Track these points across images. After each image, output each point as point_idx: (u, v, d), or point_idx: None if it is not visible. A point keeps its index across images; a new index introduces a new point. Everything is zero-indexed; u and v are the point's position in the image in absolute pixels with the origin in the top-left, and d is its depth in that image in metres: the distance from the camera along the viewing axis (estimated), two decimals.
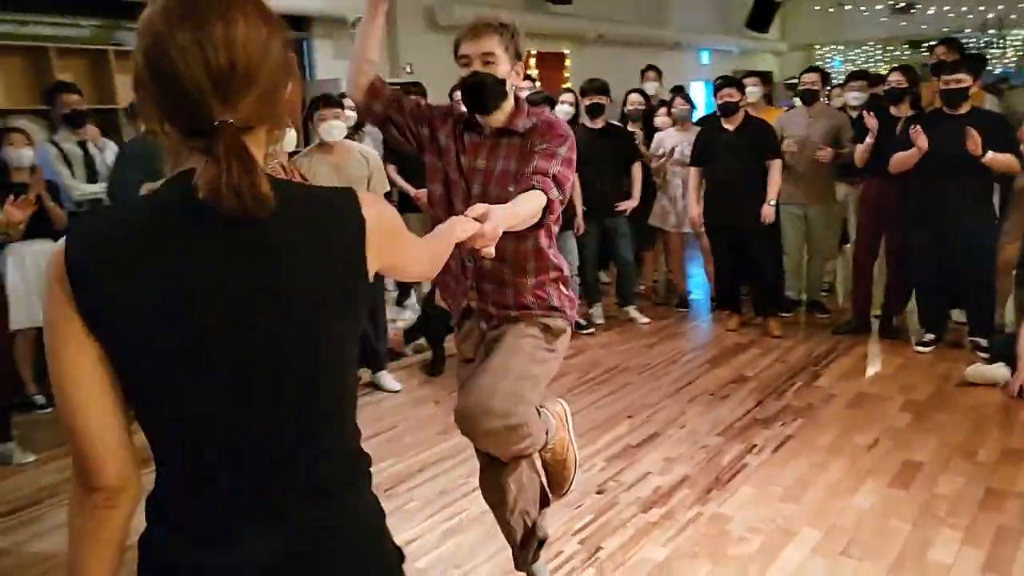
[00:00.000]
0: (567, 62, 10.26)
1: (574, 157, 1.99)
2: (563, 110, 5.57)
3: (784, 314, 5.32)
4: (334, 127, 3.91)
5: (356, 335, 1.06)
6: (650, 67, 6.84)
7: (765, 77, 5.88)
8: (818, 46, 15.47)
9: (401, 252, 1.13)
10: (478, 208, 1.51)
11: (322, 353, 1.00)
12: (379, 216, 1.05)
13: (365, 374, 4.43)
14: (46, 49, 5.35)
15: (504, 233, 1.73)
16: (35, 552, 2.82)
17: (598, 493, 3.07)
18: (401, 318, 5.25)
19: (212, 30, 0.90)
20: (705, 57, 13.24)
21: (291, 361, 0.97)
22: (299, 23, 7.17)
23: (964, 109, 4.22)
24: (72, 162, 4.63)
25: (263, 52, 0.94)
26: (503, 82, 1.97)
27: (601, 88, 5.28)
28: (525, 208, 1.78)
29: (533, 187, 1.83)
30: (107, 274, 0.92)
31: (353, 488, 1.07)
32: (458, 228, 1.42)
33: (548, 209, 1.86)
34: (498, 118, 2.02)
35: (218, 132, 0.90)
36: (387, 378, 4.37)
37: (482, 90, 1.96)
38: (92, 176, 4.68)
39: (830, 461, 3.26)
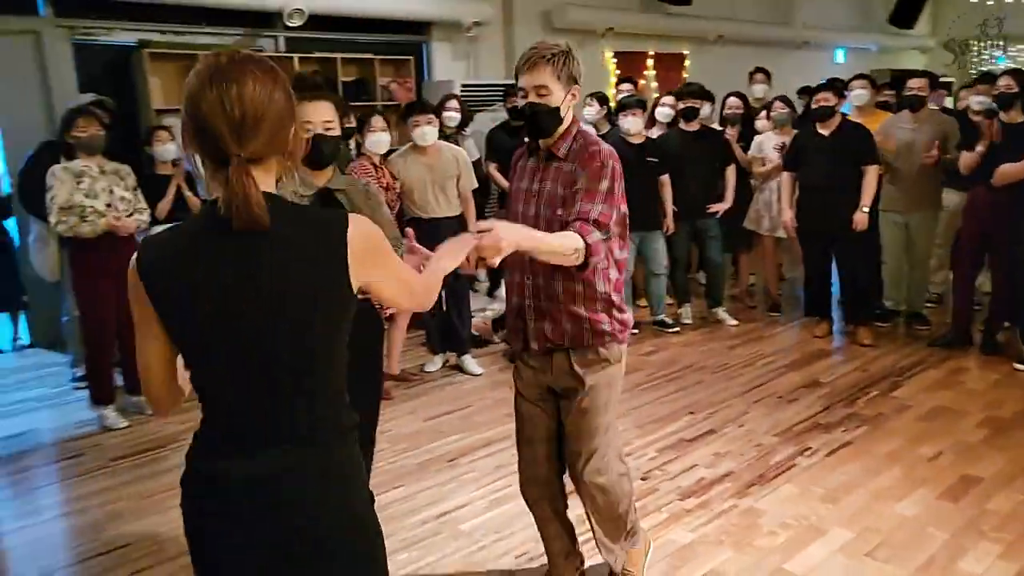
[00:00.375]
0: (686, 63, 10.21)
1: (616, 185, 2.10)
2: (663, 112, 5.69)
3: (880, 324, 5.19)
4: (427, 132, 4.25)
5: (341, 329, 1.34)
6: (758, 69, 6.77)
7: (873, 80, 5.69)
8: (974, 42, 14.42)
9: (381, 269, 1.37)
10: (482, 224, 1.73)
11: (306, 341, 1.30)
12: (363, 235, 1.31)
13: (451, 357, 4.77)
14: (195, 56, 6.03)
15: (553, 269, 2.04)
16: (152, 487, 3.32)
17: (642, 479, 3.22)
18: (491, 308, 5.54)
19: (229, 89, 1.22)
20: (840, 56, 12.72)
21: (277, 343, 1.28)
22: (419, 28, 7.62)
23: None
24: None
25: (267, 104, 1.25)
26: (556, 110, 2.10)
27: (695, 92, 5.36)
28: (556, 241, 1.92)
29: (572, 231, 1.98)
30: (160, 272, 1.27)
31: (334, 440, 1.35)
32: (444, 259, 1.61)
33: (589, 251, 1.96)
34: (548, 143, 2.16)
35: (231, 163, 1.22)
36: (470, 362, 4.68)
37: (535, 119, 2.11)
38: None
39: (884, 469, 3.25)
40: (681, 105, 5.36)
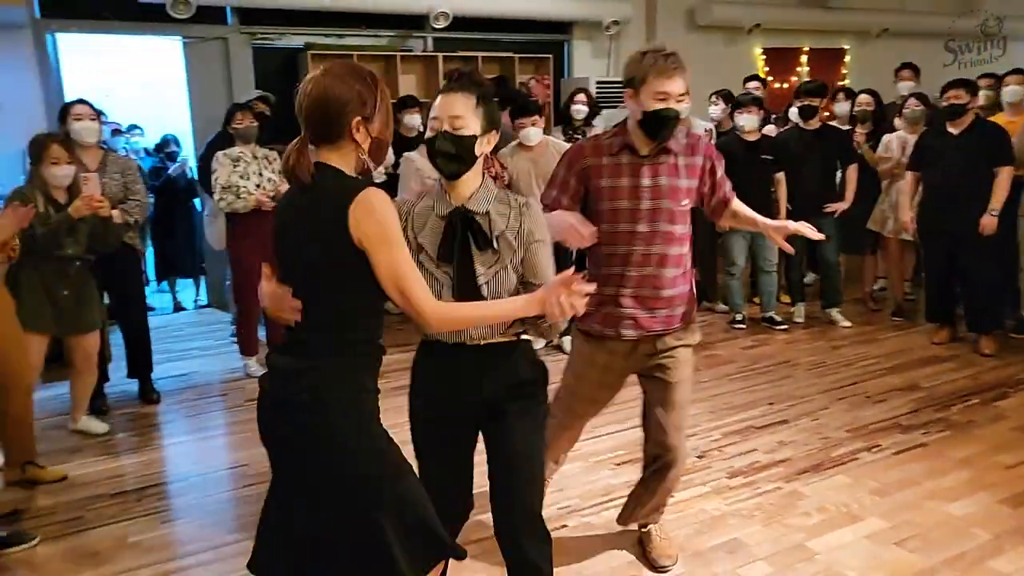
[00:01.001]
0: (846, 58, 9.80)
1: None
2: (714, 111, 5.66)
3: (1015, 335, 4.90)
4: (530, 133, 4.59)
5: (345, 269, 1.61)
6: (904, 66, 6.47)
7: None
8: None
9: (376, 248, 1.58)
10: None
11: (317, 273, 1.64)
12: (366, 202, 1.58)
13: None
14: (352, 56, 6.73)
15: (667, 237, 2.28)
16: None
17: (699, 457, 3.37)
18: None
19: (308, 83, 1.63)
20: None
21: (309, 269, 1.65)
22: (561, 27, 7.95)
23: None
24: None
25: (324, 97, 1.60)
26: (679, 117, 2.26)
27: (813, 91, 5.29)
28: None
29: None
30: (278, 215, 1.76)
31: (337, 358, 1.65)
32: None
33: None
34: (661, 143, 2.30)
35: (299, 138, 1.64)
36: (567, 342, 4.96)
37: (667, 124, 2.24)
38: None
39: (951, 471, 3.18)
40: (799, 104, 5.31)
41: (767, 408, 3.93)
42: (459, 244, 1.87)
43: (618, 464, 3.31)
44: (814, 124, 5.28)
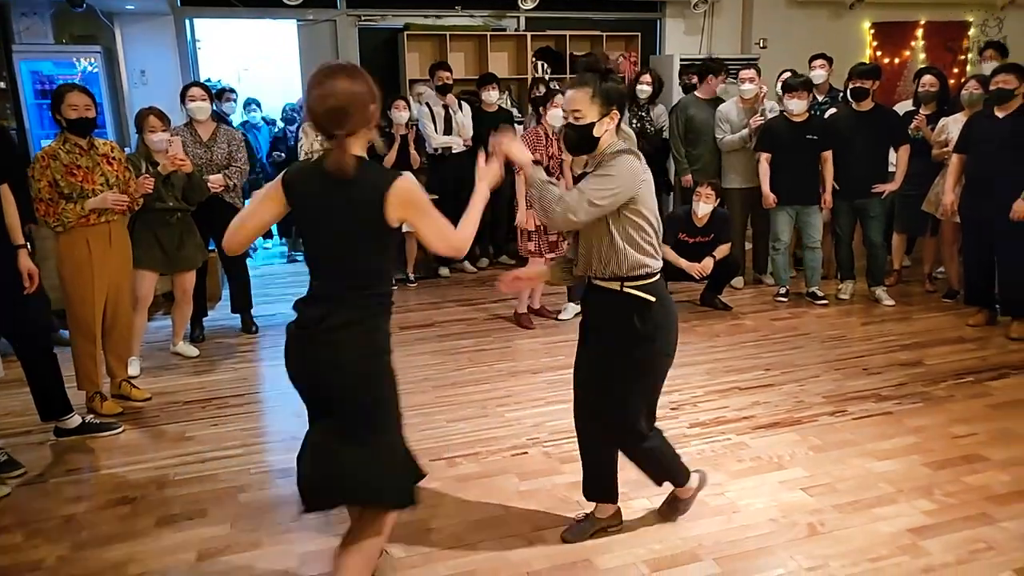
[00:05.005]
0: (970, 32, 9.31)
1: None
2: (747, 89, 5.69)
3: None
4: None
5: (379, 241, 2.01)
6: (990, 44, 6.27)
7: None
8: None
9: (413, 217, 2.00)
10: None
11: (354, 245, 2.01)
12: (401, 191, 1.95)
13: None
14: (444, 36, 7.36)
15: None
16: None
17: (672, 409, 3.77)
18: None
19: (327, 87, 1.93)
20: None
21: (343, 245, 2.02)
22: (653, 5, 8.18)
23: None
24: (436, 120, 6.50)
25: (351, 96, 1.93)
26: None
27: (865, 72, 5.33)
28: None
29: None
30: (294, 186, 2.04)
31: (364, 308, 2.03)
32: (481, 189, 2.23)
33: None
34: None
35: (334, 139, 1.93)
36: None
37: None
38: (448, 130, 6.50)
39: (898, 436, 3.40)
40: (851, 85, 5.38)
41: (761, 373, 4.23)
42: None
43: None
44: (866, 106, 5.34)
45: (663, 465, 2.66)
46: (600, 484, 2.70)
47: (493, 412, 3.79)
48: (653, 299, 2.36)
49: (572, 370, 2.59)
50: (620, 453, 2.63)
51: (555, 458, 3.27)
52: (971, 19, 9.26)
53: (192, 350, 4.71)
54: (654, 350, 2.40)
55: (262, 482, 3.14)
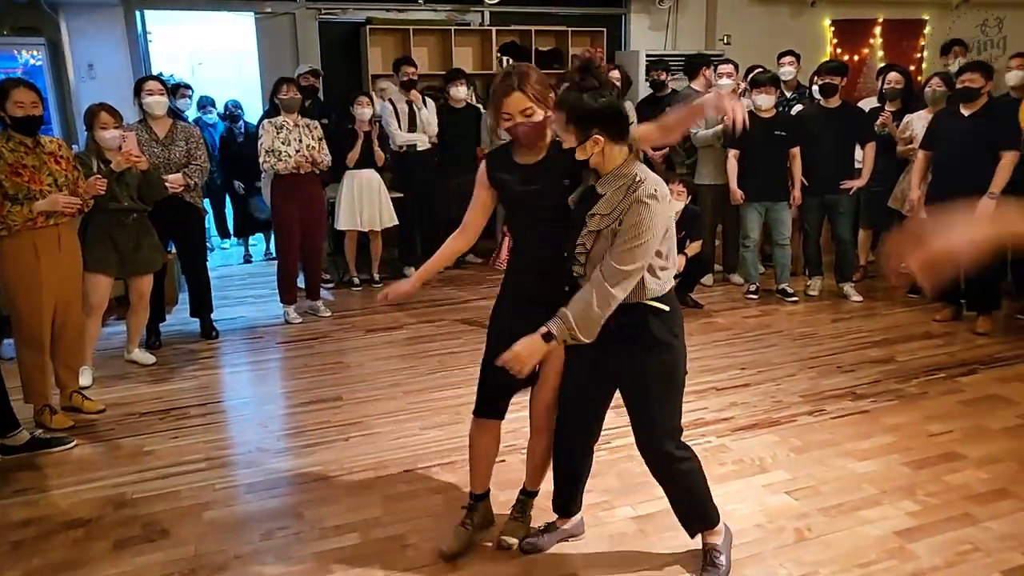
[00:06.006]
0: (926, 30, 9.46)
1: None
2: (725, 84, 5.70)
3: (1021, 316, 4.92)
4: None
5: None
6: (955, 42, 6.35)
7: None
8: None
9: None
10: None
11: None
12: None
13: None
14: (407, 31, 7.20)
15: None
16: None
17: None
18: None
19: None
20: None
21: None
22: (619, 2, 8.13)
23: None
24: (400, 117, 6.35)
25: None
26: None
27: (834, 68, 5.35)
28: None
29: None
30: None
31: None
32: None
33: None
34: None
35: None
36: None
37: None
38: (412, 127, 6.35)
39: (876, 435, 3.39)
40: (819, 81, 5.39)
41: (737, 373, 4.19)
42: None
43: None
44: (834, 102, 5.35)
45: (696, 489, 2.43)
46: (573, 499, 2.62)
47: (468, 418, 3.66)
48: (667, 308, 2.23)
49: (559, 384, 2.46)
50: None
51: None
52: (926, 17, 9.41)
53: (148, 357, 4.50)
54: (673, 356, 2.26)
55: (228, 498, 2.99)
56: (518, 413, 3.64)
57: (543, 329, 2.11)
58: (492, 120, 2.33)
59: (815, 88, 5.67)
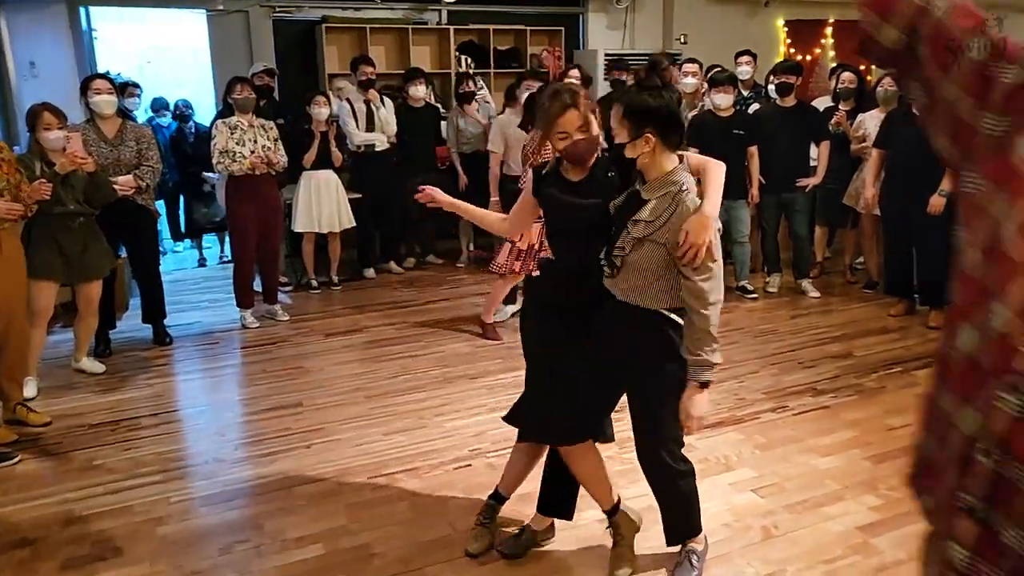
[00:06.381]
0: None
1: None
2: (687, 83, 5.80)
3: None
4: None
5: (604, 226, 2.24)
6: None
7: None
8: None
9: None
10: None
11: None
12: None
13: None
14: (364, 29, 7.10)
15: None
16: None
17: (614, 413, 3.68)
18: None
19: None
20: None
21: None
22: (577, 1, 8.13)
23: None
24: (358, 117, 6.24)
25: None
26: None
27: (790, 68, 5.41)
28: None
29: None
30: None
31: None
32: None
33: None
34: None
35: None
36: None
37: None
38: (370, 127, 6.24)
39: (838, 431, 3.43)
40: (776, 80, 5.45)
41: None
42: None
43: None
44: (790, 101, 5.42)
45: (691, 502, 2.43)
46: (557, 499, 2.59)
47: (431, 422, 3.62)
48: (681, 321, 2.18)
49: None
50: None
51: (500, 469, 3.11)
52: None
53: (97, 366, 4.34)
54: (684, 367, 2.17)
55: (184, 512, 2.89)
56: (480, 416, 3.62)
57: (698, 382, 2.11)
58: (541, 139, 2.33)
59: (771, 87, 5.73)
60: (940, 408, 1.10)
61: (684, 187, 2.10)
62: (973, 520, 1.00)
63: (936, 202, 4.61)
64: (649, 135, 2.08)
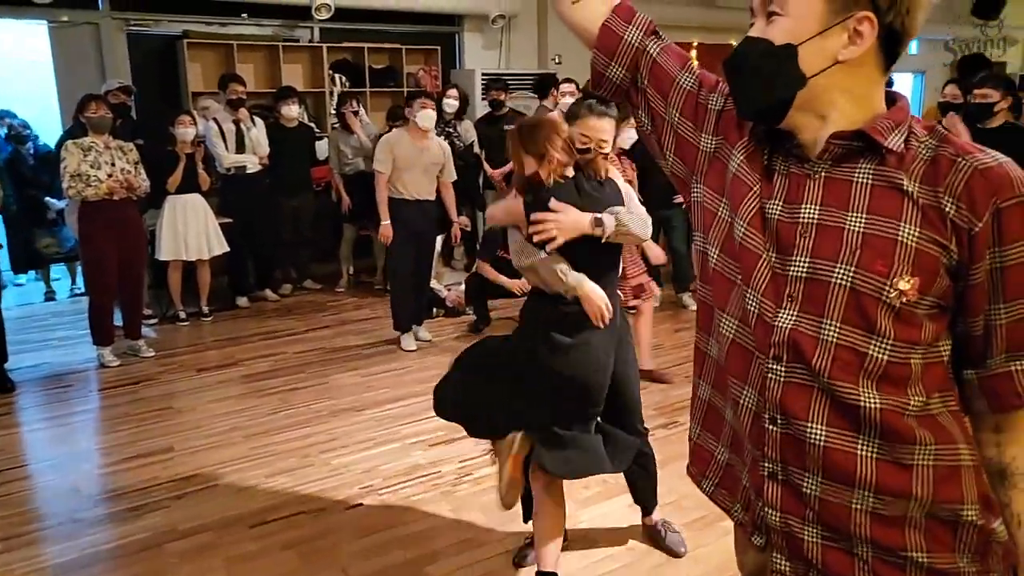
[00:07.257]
0: None
1: None
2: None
3: None
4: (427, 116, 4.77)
5: None
6: None
7: None
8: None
9: None
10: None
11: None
12: None
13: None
14: (231, 45, 6.75)
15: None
16: None
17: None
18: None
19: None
20: (913, 47, 12.23)
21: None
22: (451, 19, 8.09)
23: None
24: (227, 137, 5.90)
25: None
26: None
27: None
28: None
29: None
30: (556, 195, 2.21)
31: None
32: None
33: None
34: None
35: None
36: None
37: None
38: (240, 148, 5.92)
39: None
40: None
41: None
42: None
43: (432, 445, 3.52)
44: None
45: (655, 471, 2.80)
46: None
47: (318, 460, 3.40)
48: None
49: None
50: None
51: (394, 507, 2.97)
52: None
53: None
54: None
55: None
56: (369, 451, 3.44)
57: (594, 216, 2.19)
58: (562, 141, 2.23)
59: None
60: (701, 399, 1.36)
61: None
62: (776, 482, 1.15)
63: None
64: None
